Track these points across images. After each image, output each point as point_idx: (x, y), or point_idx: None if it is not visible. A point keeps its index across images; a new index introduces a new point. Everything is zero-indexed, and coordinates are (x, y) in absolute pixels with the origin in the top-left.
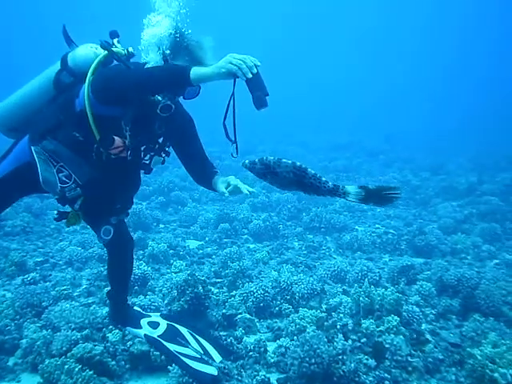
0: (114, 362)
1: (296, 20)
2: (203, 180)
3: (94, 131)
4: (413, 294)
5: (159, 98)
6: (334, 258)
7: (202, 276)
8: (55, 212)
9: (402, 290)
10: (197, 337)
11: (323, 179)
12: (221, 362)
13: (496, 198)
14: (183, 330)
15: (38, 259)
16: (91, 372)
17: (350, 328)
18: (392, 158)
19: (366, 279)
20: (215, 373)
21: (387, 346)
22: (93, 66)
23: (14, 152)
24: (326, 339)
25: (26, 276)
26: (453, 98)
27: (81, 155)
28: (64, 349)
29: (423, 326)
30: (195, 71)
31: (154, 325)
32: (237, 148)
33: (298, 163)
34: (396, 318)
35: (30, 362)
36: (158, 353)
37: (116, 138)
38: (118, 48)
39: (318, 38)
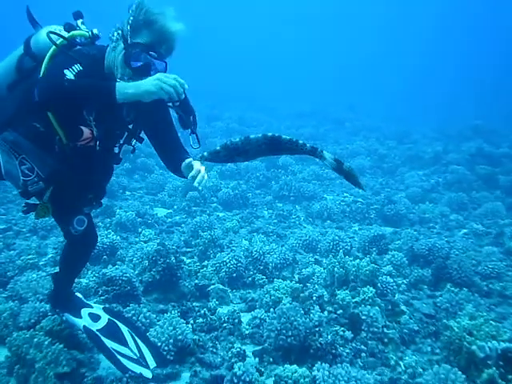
0: (84, 335)
1: None
2: (176, 169)
3: (54, 124)
4: (385, 264)
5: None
6: (305, 227)
7: (173, 245)
8: (23, 205)
9: (374, 260)
10: (136, 338)
11: (300, 142)
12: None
13: (462, 168)
14: (123, 329)
15: (1, 227)
16: (61, 345)
17: (325, 299)
18: (358, 127)
19: (341, 250)
20: (150, 376)
21: (363, 317)
22: (47, 56)
23: None
24: (302, 311)
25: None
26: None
27: (42, 147)
28: (32, 321)
29: (396, 297)
30: (122, 91)
31: (94, 317)
32: (197, 138)
33: (270, 134)
34: (372, 289)
35: None
36: None
37: (84, 128)
38: (82, 30)
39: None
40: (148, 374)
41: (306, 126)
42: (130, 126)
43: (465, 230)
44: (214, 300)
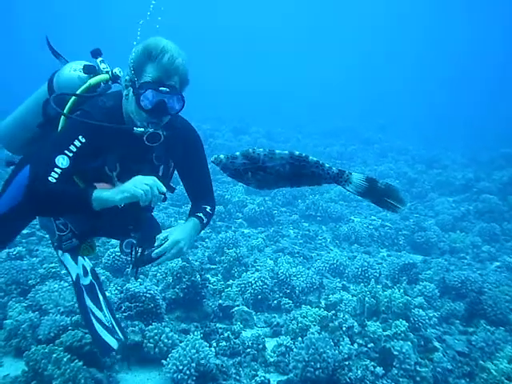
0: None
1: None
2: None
3: (77, 182)
4: (415, 295)
5: (140, 129)
6: (331, 250)
7: (196, 261)
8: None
9: (405, 290)
10: (108, 309)
11: (326, 165)
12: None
13: (495, 197)
14: (100, 297)
15: (24, 231)
16: (80, 363)
17: (355, 331)
18: (386, 148)
19: (372, 279)
20: (115, 347)
21: (395, 353)
22: (62, 119)
23: (12, 186)
24: (332, 343)
25: (12, 250)
26: (453, 94)
27: None
28: (52, 335)
29: (428, 331)
30: (98, 199)
31: (85, 271)
32: None
33: (297, 152)
34: (404, 322)
35: (14, 346)
36: (151, 344)
37: (99, 185)
38: (101, 74)
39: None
40: (114, 344)
41: (334, 145)
42: (160, 173)
43: (497, 263)
44: (238, 323)
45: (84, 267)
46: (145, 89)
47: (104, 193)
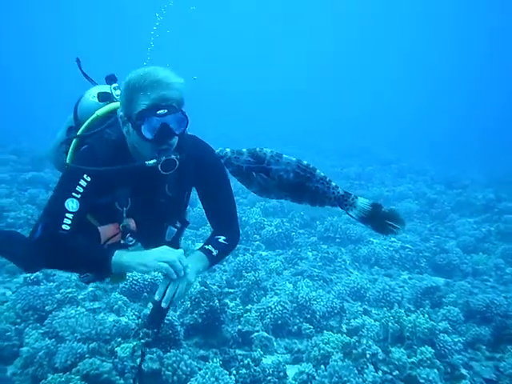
0: (122, 381)
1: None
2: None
3: (90, 219)
4: (440, 320)
5: (152, 161)
6: (351, 272)
7: (214, 284)
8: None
9: (429, 315)
10: None
11: (333, 184)
12: None
13: None
14: None
15: None
16: None
17: (380, 358)
18: (404, 168)
19: (395, 303)
20: None
21: (422, 381)
22: (70, 149)
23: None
24: (356, 371)
25: (29, 274)
26: (470, 111)
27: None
28: (69, 362)
29: (454, 357)
30: (117, 264)
31: None
32: None
33: (305, 162)
34: (430, 349)
35: (31, 374)
36: (169, 372)
37: (102, 228)
38: (114, 102)
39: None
40: None
41: (352, 165)
42: (173, 204)
43: None
44: (258, 349)
45: None
46: (143, 118)
47: (124, 258)
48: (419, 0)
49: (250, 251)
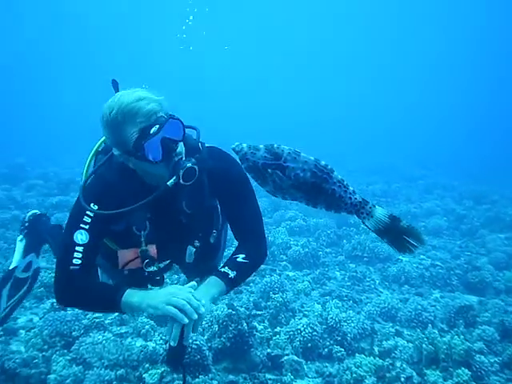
0: None
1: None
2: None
3: (108, 243)
4: (474, 340)
5: (172, 179)
6: (381, 292)
7: (241, 306)
8: None
9: (463, 335)
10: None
11: (351, 188)
12: None
13: None
14: (17, 296)
15: None
16: None
17: (415, 381)
18: (431, 184)
19: (430, 324)
20: None
21: None
22: (84, 167)
23: None
24: None
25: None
26: (491, 123)
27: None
28: None
29: (491, 379)
30: (127, 304)
31: (27, 267)
32: None
33: (323, 162)
34: (466, 371)
35: None
36: None
37: (121, 252)
38: None
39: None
40: None
41: (377, 182)
42: (194, 223)
43: None
44: (289, 373)
45: (29, 264)
46: (142, 147)
47: (134, 299)
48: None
49: (277, 272)
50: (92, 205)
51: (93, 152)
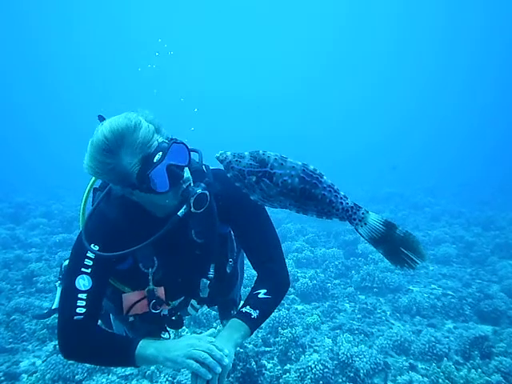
0: None
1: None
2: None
3: (114, 283)
4: (492, 372)
5: (182, 208)
6: (393, 324)
7: (250, 343)
8: None
9: (479, 367)
10: None
11: (341, 193)
12: None
13: None
14: None
15: None
16: None
17: None
18: (438, 212)
19: (445, 358)
20: None
21: None
22: (81, 207)
23: None
24: None
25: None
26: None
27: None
28: None
29: None
30: (141, 357)
31: None
32: None
33: (312, 166)
34: None
35: None
36: None
37: (125, 296)
38: None
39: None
40: None
41: (384, 211)
42: (206, 253)
43: None
44: None
45: None
46: (146, 178)
47: (149, 351)
48: None
49: (285, 305)
50: (92, 246)
51: (87, 189)
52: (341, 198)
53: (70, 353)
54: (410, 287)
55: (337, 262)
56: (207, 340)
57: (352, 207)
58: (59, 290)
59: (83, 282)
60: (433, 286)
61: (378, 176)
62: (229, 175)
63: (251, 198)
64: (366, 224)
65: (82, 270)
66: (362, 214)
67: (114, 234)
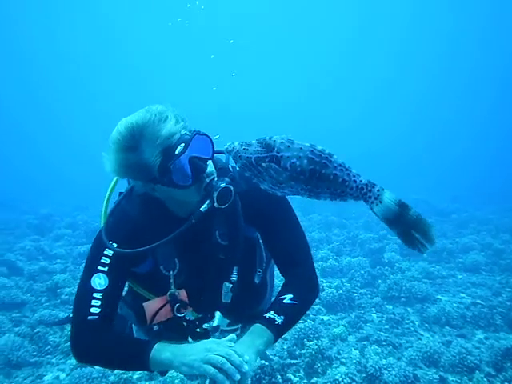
0: None
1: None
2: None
3: (133, 286)
4: None
5: (205, 203)
6: (421, 335)
7: (275, 355)
8: None
9: None
10: None
11: (353, 171)
12: None
13: None
14: None
15: None
16: None
17: None
18: (465, 218)
19: (477, 371)
20: None
21: None
22: (103, 207)
23: None
24: None
25: None
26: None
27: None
28: None
29: None
30: (156, 362)
31: None
32: None
33: (320, 147)
34: None
35: None
36: None
37: (146, 304)
38: None
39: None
40: None
41: None
42: (230, 256)
43: None
44: None
45: None
46: (168, 170)
47: (165, 355)
48: None
49: (311, 316)
50: (110, 243)
51: (110, 188)
52: (354, 176)
53: (81, 354)
54: (439, 296)
55: (363, 271)
56: (226, 345)
57: (366, 184)
58: None
59: (99, 281)
60: (462, 294)
61: (403, 181)
62: (237, 166)
63: (262, 188)
64: (381, 202)
65: (99, 268)
66: (378, 191)
67: (135, 232)
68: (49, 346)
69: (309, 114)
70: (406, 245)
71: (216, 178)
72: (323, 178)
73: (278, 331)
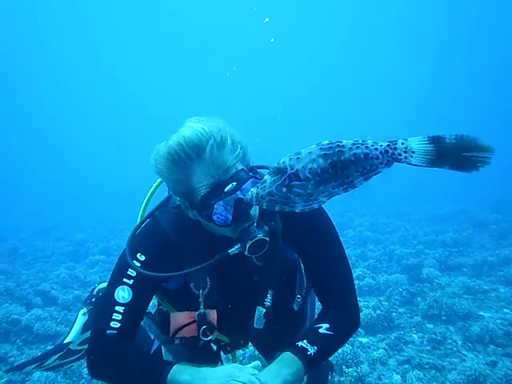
0: None
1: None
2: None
3: (160, 301)
4: None
5: (236, 246)
6: (465, 356)
7: None
8: None
9: None
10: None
11: (369, 141)
12: None
13: None
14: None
15: None
16: None
17: None
18: (505, 229)
19: None
20: None
21: None
22: (138, 216)
23: None
24: None
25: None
26: None
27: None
28: None
29: None
30: (175, 383)
31: (83, 343)
32: None
33: (325, 141)
34: None
35: None
36: None
37: (174, 316)
38: None
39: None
40: None
41: (447, 231)
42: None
43: None
44: None
45: (87, 339)
46: (210, 206)
47: (183, 378)
48: None
49: (349, 339)
50: (139, 255)
51: (153, 188)
52: (372, 145)
53: (96, 369)
54: (481, 313)
55: (401, 289)
56: (250, 372)
57: (388, 145)
58: (81, 319)
59: (122, 294)
60: (505, 309)
61: (440, 192)
62: (264, 206)
63: (297, 211)
64: (413, 152)
65: (124, 280)
66: (402, 144)
67: (164, 245)
68: (83, 380)
69: (309, 116)
70: (469, 171)
71: (256, 224)
72: (346, 164)
73: (309, 363)
